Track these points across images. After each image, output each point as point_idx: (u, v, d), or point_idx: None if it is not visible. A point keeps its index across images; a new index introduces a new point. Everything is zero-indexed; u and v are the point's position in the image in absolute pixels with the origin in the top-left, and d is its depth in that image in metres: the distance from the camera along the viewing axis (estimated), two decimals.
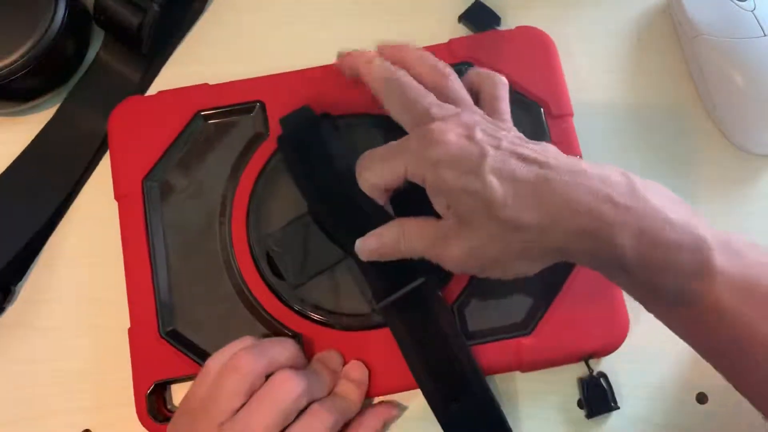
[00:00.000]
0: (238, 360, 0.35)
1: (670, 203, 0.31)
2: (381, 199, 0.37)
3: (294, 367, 0.37)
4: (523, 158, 0.32)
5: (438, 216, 0.35)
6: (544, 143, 0.34)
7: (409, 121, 0.36)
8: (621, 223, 0.30)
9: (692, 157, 0.45)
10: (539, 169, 0.32)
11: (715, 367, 0.33)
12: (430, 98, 0.36)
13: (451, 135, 0.33)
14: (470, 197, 0.32)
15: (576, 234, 0.31)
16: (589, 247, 0.31)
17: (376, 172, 0.36)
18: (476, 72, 0.40)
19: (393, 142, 0.36)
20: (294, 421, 0.35)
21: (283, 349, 0.37)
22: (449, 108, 0.36)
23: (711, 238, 0.30)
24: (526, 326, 0.40)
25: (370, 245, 0.37)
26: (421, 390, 0.38)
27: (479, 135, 0.33)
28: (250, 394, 0.34)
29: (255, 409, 0.34)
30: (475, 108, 0.37)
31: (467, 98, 0.37)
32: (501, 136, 0.34)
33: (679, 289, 0.31)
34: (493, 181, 0.32)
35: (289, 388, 0.34)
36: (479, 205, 0.32)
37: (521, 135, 0.35)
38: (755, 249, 0.31)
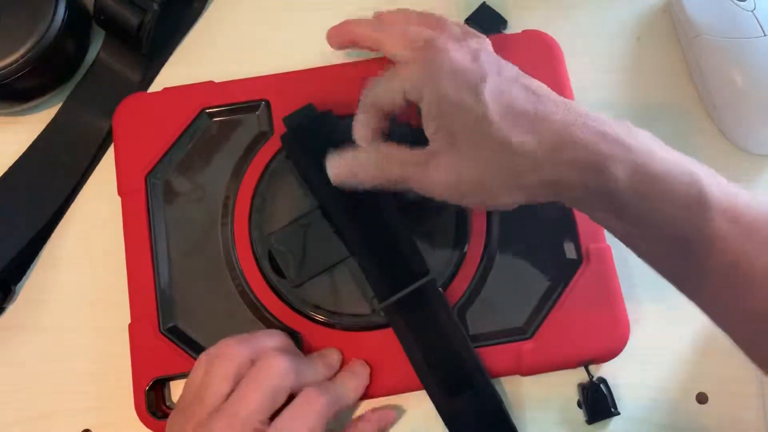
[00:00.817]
0: (224, 347, 0.35)
1: (662, 145, 0.32)
2: (374, 125, 0.37)
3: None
4: (524, 88, 0.33)
5: None
6: (541, 83, 0.34)
7: (410, 54, 0.35)
8: (616, 155, 0.31)
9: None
10: (537, 102, 0.32)
11: (703, 306, 0.32)
12: (429, 30, 0.36)
13: (457, 52, 0.33)
14: (464, 112, 0.32)
15: (570, 165, 0.31)
16: (582, 179, 0.31)
17: (377, 90, 0.36)
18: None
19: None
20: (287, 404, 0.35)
21: (271, 337, 0.37)
22: (451, 35, 0.36)
23: (703, 173, 0.31)
24: (526, 330, 0.40)
25: (341, 163, 0.36)
26: (424, 386, 0.38)
27: (484, 57, 0.34)
28: (238, 378, 0.35)
29: (242, 393, 0.34)
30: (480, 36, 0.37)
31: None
32: (504, 64, 0.34)
33: (674, 218, 0.30)
34: (490, 100, 0.32)
35: (273, 367, 0.34)
36: (471, 122, 0.32)
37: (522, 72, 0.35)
38: (743, 190, 0.31)
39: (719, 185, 0.31)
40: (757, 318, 0.30)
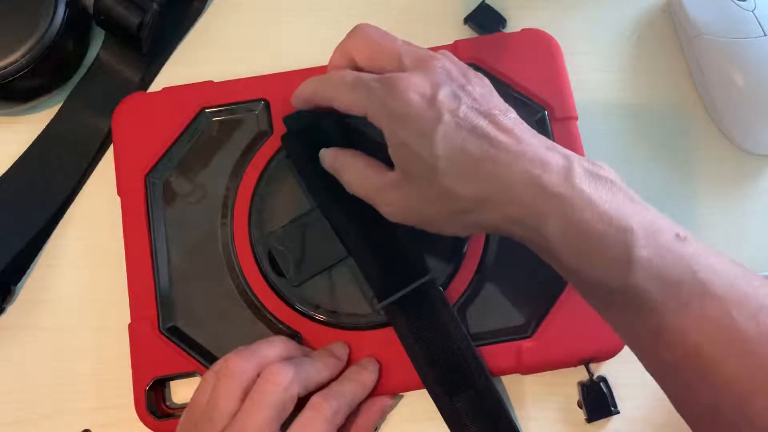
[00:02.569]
0: (227, 364, 0.35)
1: (606, 191, 0.31)
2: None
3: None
4: (476, 131, 0.33)
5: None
6: (503, 106, 0.35)
7: (378, 68, 0.36)
8: (548, 212, 0.31)
9: (692, 157, 0.45)
10: (487, 146, 0.32)
11: (635, 354, 0.33)
12: (400, 42, 0.36)
13: (413, 94, 0.33)
14: (416, 159, 0.33)
15: (505, 216, 0.32)
16: (519, 232, 0.32)
17: (340, 96, 0.36)
18: None
19: (366, 77, 0.35)
20: (297, 415, 0.35)
21: (273, 347, 0.37)
22: (421, 54, 0.35)
23: (639, 228, 0.30)
24: (527, 329, 0.40)
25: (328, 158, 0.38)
26: (425, 385, 0.38)
27: (441, 96, 0.33)
28: (245, 395, 0.35)
29: (248, 409, 0.34)
30: (446, 56, 0.36)
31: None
32: (463, 97, 0.34)
33: (599, 272, 0.31)
34: (440, 148, 0.32)
35: (276, 380, 0.34)
36: (423, 169, 0.33)
37: (485, 90, 0.35)
38: (685, 242, 0.31)
39: (655, 240, 0.30)
40: (672, 369, 0.31)
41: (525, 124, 0.34)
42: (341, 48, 0.38)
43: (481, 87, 0.35)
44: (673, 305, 0.30)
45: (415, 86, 0.33)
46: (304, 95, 0.39)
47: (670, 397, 0.32)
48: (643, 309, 0.30)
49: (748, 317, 0.29)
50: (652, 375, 0.33)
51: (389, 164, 0.35)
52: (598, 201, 0.31)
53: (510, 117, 0.34)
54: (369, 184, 0.36)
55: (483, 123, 0.33)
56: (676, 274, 0.30)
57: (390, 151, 0.34)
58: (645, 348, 0.32)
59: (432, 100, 0.33)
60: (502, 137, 0.33)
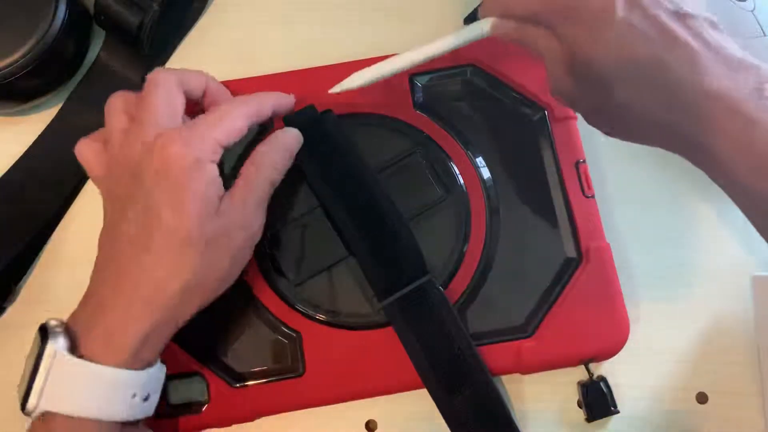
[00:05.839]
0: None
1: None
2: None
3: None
4: (662, 31, 0.31)
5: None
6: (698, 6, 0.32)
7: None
8: (726, 129, 0.30)
9: None
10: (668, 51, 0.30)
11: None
12: None
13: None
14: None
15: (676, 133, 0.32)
16: (679, 147, 0.33)
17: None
18: None
19: None
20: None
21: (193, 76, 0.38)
22: None
23: None
24: (527, 329, 0.40)
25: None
26: (425, 384, 0.38)
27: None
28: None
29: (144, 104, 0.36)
30: None
31: None
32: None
33: None
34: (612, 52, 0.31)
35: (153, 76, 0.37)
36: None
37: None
38: None
39: None
40: None
41: (719, 29, 0.32)
42: None
43: None
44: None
45: None
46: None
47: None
48: None
49: None
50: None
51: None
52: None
53: (700, 19, 0.31)
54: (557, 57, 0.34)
55: (673, 24, 0.31)
56: None
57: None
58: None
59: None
60: (692, 42, 0.30)
